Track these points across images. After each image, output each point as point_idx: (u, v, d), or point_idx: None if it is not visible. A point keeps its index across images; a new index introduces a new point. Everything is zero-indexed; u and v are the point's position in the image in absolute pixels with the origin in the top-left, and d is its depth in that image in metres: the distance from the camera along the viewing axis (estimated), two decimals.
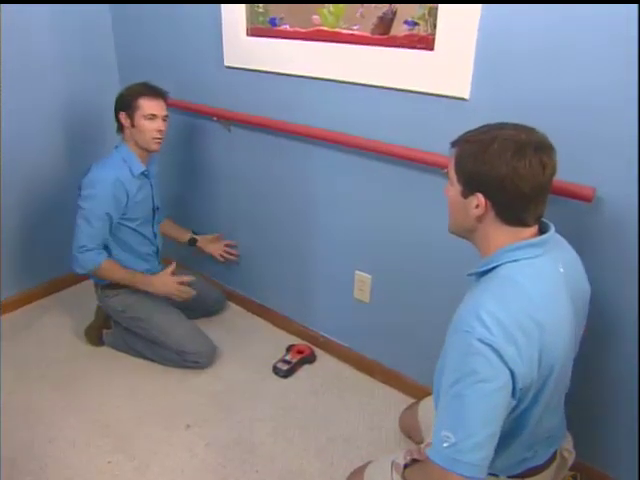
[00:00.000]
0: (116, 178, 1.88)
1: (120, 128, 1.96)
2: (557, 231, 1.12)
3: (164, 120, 1.93)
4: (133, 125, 1.90)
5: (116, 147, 1.97)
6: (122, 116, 1.91)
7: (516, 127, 1.03)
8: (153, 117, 1.89)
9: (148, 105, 1.88)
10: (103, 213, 1.89)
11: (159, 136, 1.92)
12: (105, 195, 1.88)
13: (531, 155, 0.98)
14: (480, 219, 1.06)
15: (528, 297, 0.99)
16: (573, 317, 1.08)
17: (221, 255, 2.31)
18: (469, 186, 1.05)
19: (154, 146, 1.93)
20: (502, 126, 1.04)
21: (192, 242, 2.34)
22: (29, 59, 2.17)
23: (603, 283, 1.35)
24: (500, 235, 1.05)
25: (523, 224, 1.05)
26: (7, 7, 2.03)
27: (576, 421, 1.32)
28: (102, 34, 2.38)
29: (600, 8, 1.18)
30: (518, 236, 1.04)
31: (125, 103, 1.90)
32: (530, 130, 1.02)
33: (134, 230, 2.02)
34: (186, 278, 2.01)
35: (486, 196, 1.03)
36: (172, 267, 2.01)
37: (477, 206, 1.04)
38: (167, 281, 1.99)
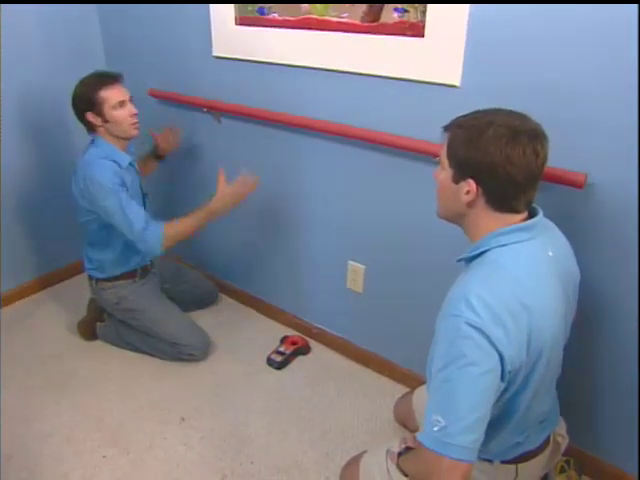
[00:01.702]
0: (113, 171, 1.81)
1: (91, 128, 1.85)
2: (549, 217, 1.12)
3: (131, 102, 1.84)
4: (106, 120, 1.81)
5: (92, 143, 1.87)
6: (90, 116, 1.81)
7: (510, 114, 1.02)
8: (122, 104, 1.81)
9: (112, 94, 1.79)
10: (126, 195, 1.80)
11: (135, 120, 1.85)
12: (115, 184, 1.79)
13: (525, 143, 0.97)
14: (470, 205, 1.06)
15: (516, 281, 1.00)
16: (563, 301, 1.08)
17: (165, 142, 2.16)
18: (461, 171, 1.05)
19: (134, 132, 1.86)
20: (496, 112, 1.03)
21: (154, 152, 2.19)
22: (15, 52, 2.14)
23: (595, 268, 1.36)
24: (489, 221, 1.05)
25: (513, 211, 1.05)
26: None
27: (569, 406, 1.33)
28: (89, 26, 2.35)
29: None
30: (507, 222, 1.04)
31: (87, 102, 1.79)
32: (524, 117, 1.02)
33: None
34: (241, 178, 1.85)
35: (477, 182, 1.02)
36: (220, 174, 1.85)
37: (468, 192, 1.04)
38: (227, 193, 1.85)
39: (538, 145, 0.99)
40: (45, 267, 2.50)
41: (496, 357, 0.95)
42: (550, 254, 1.07)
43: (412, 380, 1.86)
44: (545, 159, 1.01)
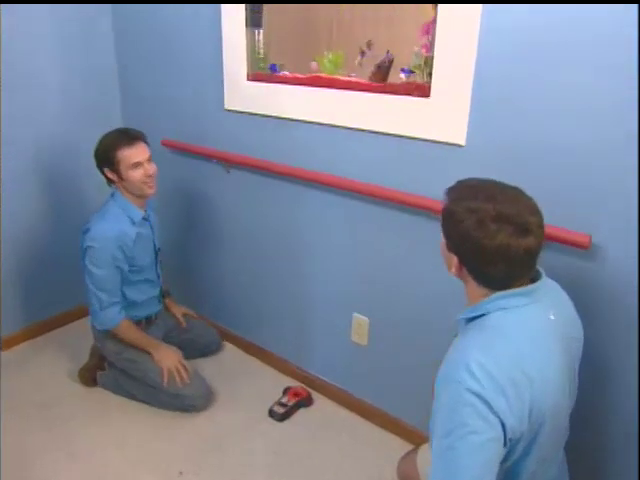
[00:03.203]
0: (119, 230, 1.86)
1: (109, 181, 1.92)
2: (554, 277, 1.12)
3: (149, 162, 1.89)
4: (121, 178, 1.86)
5: (112, 195, 1.94)
6: (108, 172, 1.88)
7: (504, 199, 0.99)
8: (138, 164, 1.84)
9: (128, 155, 1.83)
10: (112, 270, 1.88)
11: (150, 180, 1.88)
12: (110, 251, 1.85)
13: (504, 236, 0.96)
14: (459, 277, 1.08)
15: (517, 348, 0.98)
16: (565, 366, 1.06)
17: (184, 314, 2.31)
18: (448, 243, 1.07)
19: (149, 191, 1.90)
20: (489, 195, 1.00)
21: (165, 294, 2.29)
22: (33, 101, 2.21)
23: (600, 330, 1.35)
24: (482, 291, 1.05)
25: (505, 288, 1.03)
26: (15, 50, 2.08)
27: (577, 469, 1.29)
28: (107, 78, 2.43)
29: (596, 52, 1.21)
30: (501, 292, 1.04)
31: (105, 159, 1.85)
32: (517, 202, 0.99)
33: (141, 279, 2.02)
34: (190, 371, 2.00)
35: (461, 262, 1.05)
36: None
37: (454, 266, 1.06)
38: (174, 357, 2.00)
39: (522, 240, 0.96)
40: (47, 311, 2.49)
41: (498, 426, 0.93)
42: (552, 317, 1.05)
43: (416, 437, 1.82)
44: (535, 248, 0.98)
